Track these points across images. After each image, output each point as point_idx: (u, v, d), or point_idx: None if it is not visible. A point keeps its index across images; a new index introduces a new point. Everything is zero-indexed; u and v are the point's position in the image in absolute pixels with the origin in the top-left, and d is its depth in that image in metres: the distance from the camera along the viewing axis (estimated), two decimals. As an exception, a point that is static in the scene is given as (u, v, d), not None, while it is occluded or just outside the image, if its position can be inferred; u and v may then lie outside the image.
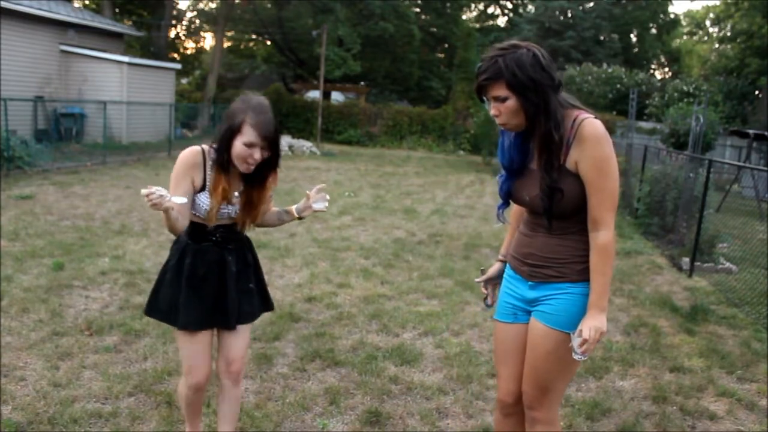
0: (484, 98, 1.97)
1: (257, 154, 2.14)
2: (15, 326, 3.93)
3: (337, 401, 3.21)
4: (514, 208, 2.29)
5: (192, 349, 2.33)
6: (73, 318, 4.14)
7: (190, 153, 2.21)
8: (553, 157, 1.92)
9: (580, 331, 1.91)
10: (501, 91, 1.89)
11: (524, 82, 1.85)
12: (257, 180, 2.27)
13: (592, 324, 1.90)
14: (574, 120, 1.92)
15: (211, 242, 2.28)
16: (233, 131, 2.12)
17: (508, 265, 2.24)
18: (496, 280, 2.37)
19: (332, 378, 3.49)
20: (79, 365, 3.44)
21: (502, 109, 1.91)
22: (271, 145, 2.16)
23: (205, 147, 2.24)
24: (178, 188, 2.17)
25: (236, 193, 2.26)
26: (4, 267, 5.10)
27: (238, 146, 2.12)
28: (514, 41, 1.93)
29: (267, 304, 2.52)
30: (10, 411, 2.93)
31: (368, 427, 3.01)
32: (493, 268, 2.38)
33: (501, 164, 2.11)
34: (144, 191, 1.91)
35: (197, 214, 2.23)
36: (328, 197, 2.45)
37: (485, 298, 2.42)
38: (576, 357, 1.92)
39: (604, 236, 1.92)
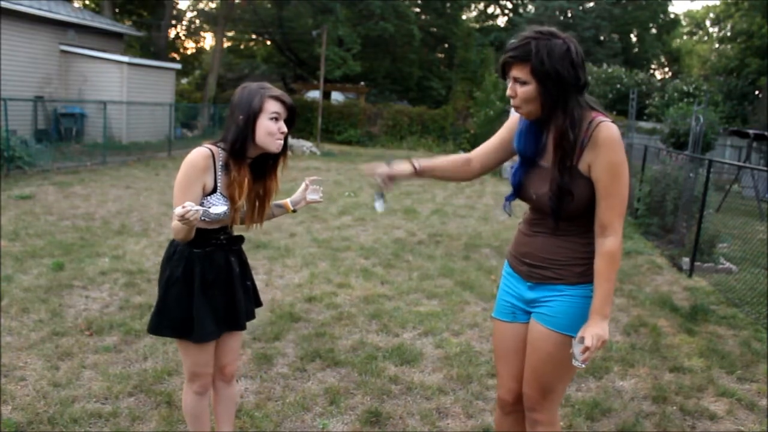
0: (506, 76, 1.91)
1: (284, 126, 2.15)
2: (15, 326, 3.93)
3: (337, 401, 3.21)
4: (453, 155, 2.25)
5: (200, 358, 2.30)
6: (73, 318, 4.14)
7: (200, 156, 2.11)
8: (566, 157, 1.88)
9: (582, 338, 1.85)
10: (523, 74, 1.84)
11: (549, 72, 1.80)
12: (268, 167, 2.26)
13: (594, 331, 1.84)
14: (590, 122, 1.88)
15: (215, 246, 2.23)
16: (255, 113, 2.11)
17: (506, 263, 2.22)
18: (395, 180, 2.13)
19: (332, 378, 3.49)
20: (79, 365, 3.44)
21: (519, 92, 1.87)
22: (290, 116, 2.17)
23: (212, 147, 2.15)
24: (188, 194, 2.08)
25: None
26: (4, 267, 5.10)
27: (264, 124, 2.11)
28: (553, 29, 1.86)
29: (257, 300, 2.52)
30: (10, 411, 2.93)
31: (368, 427, 3.01)
32: (401, 166, 2.13)
33: (517, 150, 2.06)
34: (179, 210, 1.85)
35: (205, 218, 2.12)
36: (321, 189, 2.48)
37: (379, 193, 2.19)
38: (576, 364, 1.86)
39: (612, 242, 1.88)
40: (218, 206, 2.07)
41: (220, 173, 2.15)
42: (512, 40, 1.87)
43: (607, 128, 1.86)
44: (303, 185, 2.48)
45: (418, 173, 2.16)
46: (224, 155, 2.15)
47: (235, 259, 2.31)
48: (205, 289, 2.21)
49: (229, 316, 2.30)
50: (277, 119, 2.13)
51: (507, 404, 2.22)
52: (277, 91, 2.15)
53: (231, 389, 2.50)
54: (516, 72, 1.85)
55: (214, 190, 2.14)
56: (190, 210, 1.86)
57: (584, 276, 1.97)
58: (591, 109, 1.91)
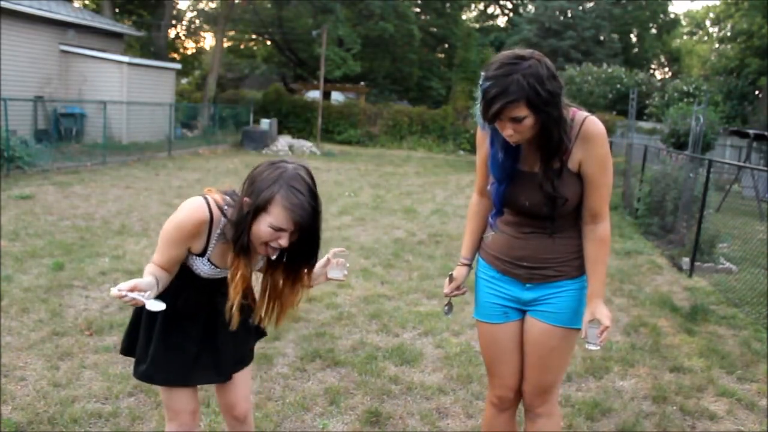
0: (497, 120, 1.80)
1: (284, 240, 1.71)
2: (15, 326, 3.93)
3: (337, 401, 3.21)
4: (472, 210, 2.22)
5: (174, 396, 2.01)
6: (73, 318, 4.14)
7: (192, 219, 1.77)
8: (555, 162, 1.89)
9: (595, 320, 1.94)
10: (521, 111, 1.75)
11: (546, 98, 1.74)
12: (289, 269, 1.87)
13: (605, 313, 1.94)
14: (573, 119, 1.89)
15: (194, 286, 1.94)
16: (258, 209, 1.68)
17: (487, 266, 2.17)
18: (463, 286, 2.30)
19: (332, 378, 3.49)
20: (79, 365, 3.44)
21: (519, 129, 1.79)
22: (304, 230, 1.71)
23: (213, 206, 1.79)
24: (170, 251, 1.81)
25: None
26: (4, 267, 5.10)
27: (262, 227, 1.69)
28: (517, 52, 1.78)
29: (260, 330, 2.17)
30: (10, 411, 2.93)
31: (368, 427, 3.01)
32: (462, 275, 2.27)
33: (494, 177, 2.00)
34: (114, 292, 1.62)
35: (191, 268, 1.90)
36: (348, 264, 2.06)
37: (447, 306, 2.36)
38: (591, 347, 1.95)
39: (604, 227, 1.97)
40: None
41: (214, 241, 1.83)
42: (486, 84, 1.75)
43: (594, 123, 1.89)
44: (325, 258, 2.03)
45: (471, 262, 2.26)
46: (225, 224, 1.81)
47: (223, 299, 1.88)
48: (172, 322, 1.92)
49: (205, 364, 1.98)
50: (277, 231, 1.69)
51: (506, 401, 2.24)
52: (296, 198, 1.67)
53: (246, 427, 2.18)
54: (513, 113, 1.75)
55: (203, 253, 1.86)
56: (126, 296, 1.62)
57: (582, 268, 2.03)
58: (567, 105, 1.91)
